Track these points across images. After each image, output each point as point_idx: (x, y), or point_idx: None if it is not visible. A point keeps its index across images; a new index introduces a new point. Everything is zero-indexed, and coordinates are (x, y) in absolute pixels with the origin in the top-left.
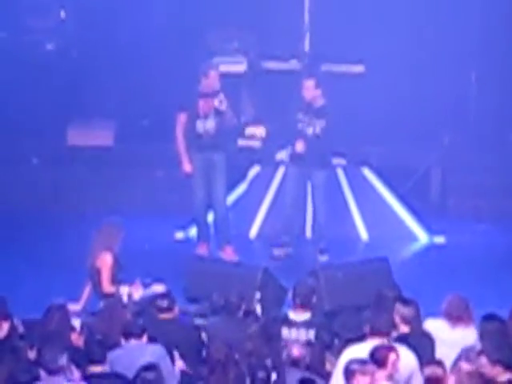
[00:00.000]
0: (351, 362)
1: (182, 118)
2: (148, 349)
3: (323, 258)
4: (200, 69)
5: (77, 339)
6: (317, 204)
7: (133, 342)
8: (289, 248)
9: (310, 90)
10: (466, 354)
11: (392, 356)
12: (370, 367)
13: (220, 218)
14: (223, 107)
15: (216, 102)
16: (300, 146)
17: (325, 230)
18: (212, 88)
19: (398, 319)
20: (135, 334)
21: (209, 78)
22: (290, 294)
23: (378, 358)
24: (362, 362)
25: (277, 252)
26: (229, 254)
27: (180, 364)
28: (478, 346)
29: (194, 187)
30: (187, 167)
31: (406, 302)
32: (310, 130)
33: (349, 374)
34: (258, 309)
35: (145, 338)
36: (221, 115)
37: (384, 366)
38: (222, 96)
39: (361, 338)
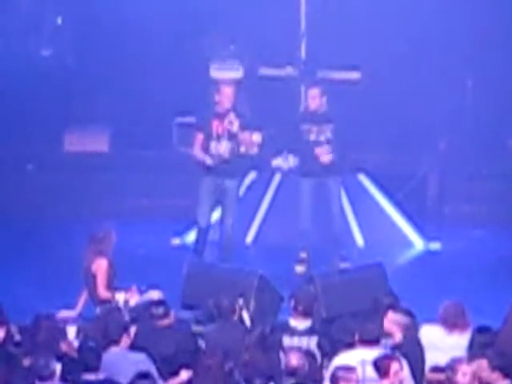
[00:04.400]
0: (337, 368)
1: (198, 137)
2: (132, 357)
3: (344, 265)
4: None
5: (68, 347)
6: (335, 212)
7: (113, 349)
8: (308, 263)
9: (316, 98)
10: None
11: (394, 366)
12: (354, 375)
13: (225, 240)
14: (234, 128)
15: (226, 123)
16: (326, 157)
17: (344, 237)
18: (225, 106)
19: (394, 328)
20: (114, 340)
21: (221, 93)
22: (290, 302)
23: (380, 368)
24: (347, 369)
25: (299, 268)
26: None
27: (184, 375)
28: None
29: (198, 212)
30: (208, 159)
31: (402, 311)
32: (322, 138)
33: (334, 380)
34: (247, 317)
35: (126, 344)
36: (235, 138)
37: (386, 375)
38: (232, 116)
39: (350, 345)
